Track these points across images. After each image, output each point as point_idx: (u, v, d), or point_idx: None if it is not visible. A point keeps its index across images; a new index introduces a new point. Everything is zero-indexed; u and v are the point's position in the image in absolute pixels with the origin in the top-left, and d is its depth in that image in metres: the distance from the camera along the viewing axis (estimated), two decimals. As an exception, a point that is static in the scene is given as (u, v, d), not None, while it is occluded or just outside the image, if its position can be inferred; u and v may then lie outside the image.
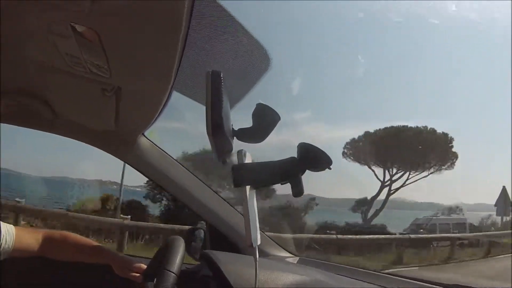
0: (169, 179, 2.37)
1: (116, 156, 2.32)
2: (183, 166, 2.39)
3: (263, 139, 1.23)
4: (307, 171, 1.20)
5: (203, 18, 1.24)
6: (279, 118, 1.21)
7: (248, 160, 1.20)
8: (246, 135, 1.21)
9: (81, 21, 1.13)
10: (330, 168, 1.21)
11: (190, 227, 2.27)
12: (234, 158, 1.19)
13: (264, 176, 1.18)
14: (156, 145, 2.33)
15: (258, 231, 1.24)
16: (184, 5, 1.02)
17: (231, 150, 1.17)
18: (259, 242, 1.22)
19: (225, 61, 1.50)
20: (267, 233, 2.67)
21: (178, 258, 1.60)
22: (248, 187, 1.18)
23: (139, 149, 2.27)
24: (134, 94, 1.64)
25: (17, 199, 11.74)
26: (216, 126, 1.02)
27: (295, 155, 1.18)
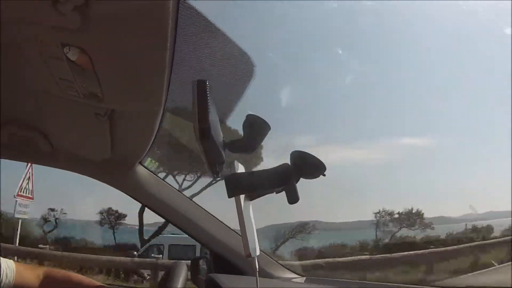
0: (168, 207, 2.35)
1: (114, 186, 2.32)
2: (181, 192, 2.39)
3: (254, 150, 1.23)
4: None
5: (188, 31, 1.26)
6: (269, 128, 1.22)
7: (240, 170, 1.21)
8: (237, 146, 1.22)
9: (72, 41, 1.15)
10: (324, 175, 1.21)
11: (194, 257, 2.27)
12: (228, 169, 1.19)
13: (258, 184, 1.18)
14: (153, 173, 2.33)
15: (257, 242, 1.23)
16: (168, 21, 1.05)
17: (223, 161, 1.18)
18: (258, 253, 1.21)
19: (212, 72, 1.51)
20: (270, 255, 2.64)
21: (181, 281, 1.59)
22: (242, 197, 1.18)
23: (137, 178, 2.27)
24: (128, 118, 1.65)
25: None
26: (204, 131, 1.02)
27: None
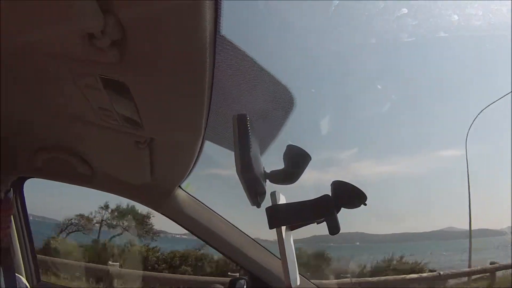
0: (208, 230, 2.35)
1: (154, 209, 2.33)
2: (221, 216, 2.38)
3: (295, 180, 1.22)
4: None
5: (226, 65, 1.26)
6: (310, 159, 1.21)
7: (282, 201, 1.20)
8: (278, 177, 1.21)
9: (111, 74, 1.16)
10: (365, 204, 1.19)
11: (232, 277, 2.25)
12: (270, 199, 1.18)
13: (298, 215, 1.17)
14: (193, 196, 2.33)
15: (297, 272, 1.22)
16: (206, 56, 1.05)
17: (264, 192, 1.17)
18: (298, 283, 1.20)
19: (251, 105, 1.51)
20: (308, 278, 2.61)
21: None
22: (283, 228, 1.17)
23: (177, 201, 2.28)
24: (167, 146, 1.67)
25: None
26: (245, 166, 1.01)
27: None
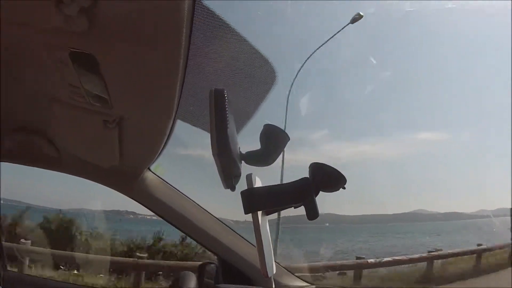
0: (177, 214, 2.30)
1: (122, 193, 2.27)
2: (191, 199, 2.33)
3: (273, 162, 1.18)
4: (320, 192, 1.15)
5: (204, 36, 1.20)
6: (288, 139, 1.16)
7: (257, 184, 1.14)
8: (255, 158, 1.16)
9: (79, 45, 1.10)
10: (344, 188, 1.16)
11: (201, 262, 2.21)
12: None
13: (276, 200, 1.12)
14: (162, 179, 2.28)
15: (273, 260, 1.18)
16: (183, 24, 0.99)
17: (239, 174, 1.12)
18: (274, 272, 1.16)
19: (228, 79, 1.46)
20: (280, 262, 2.59)
21: None
22: (259, 213, 1.12)
23: (146, 184, 2.22)
24: (137, 125, 1.60)
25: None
26: (222, 147, 0.96)
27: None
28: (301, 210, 1.12)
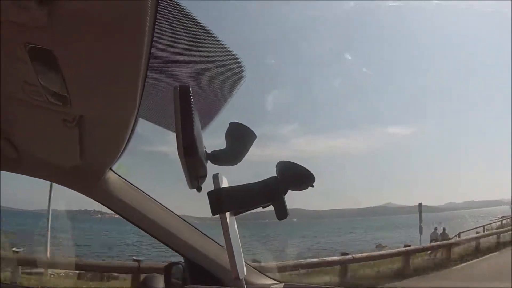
0: (141, 214, 2.26)
1: (84, 194, 2.21)
2: (155, 200, 2.29)
3: (239, 161, 1.16)
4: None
5: (169, 31, 1.17)
6: (255, 137, 1.14)
7: (224, 184, 1.12)
8: (221, 157, 1.13)
9: (37, 39, 1.05)
10: (313, 186, 1.14)
11: (168, 263, 2.19)
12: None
13: (244, 200, 1.10)
14: (125, 179, 2.23)
15: (243, 261, 1.16)
16: (146, 20, 0.95)
17: (206, 175, 1.09)
18: (245, 273, 1.14)
19: (195, 76, 1.42)
20: (248, 261, 2.57)
21: None
22: (227, 214, 1.10)
23: (108, 185, 2.17)
24: (98, 124, 1.56)
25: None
26: (189, 148, 0.93)
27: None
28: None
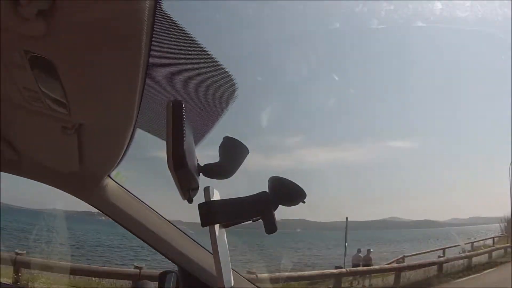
0: (137, 222, 2.27)
1: (82, 199, 2.24)
2: (151, 208, 2.31)
3: (232, 174, 1.17)
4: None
5: (165, 46, 1.19)
6: (247, 152, 1.16)
7: (216, 197, 1.14)
8: (213, 171, 1.15)
9: (36, 49, 1.07)
10: (304, 202, 1.16)
11: (162, 271, 2.20)
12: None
13: (234, 213, 1.12)
14: (123, 187, 2.25)
15: (231, 272, 1.17)
16: (143, 32, 0.97)
17: (197, 187, 1.11)
18: (232, 284, 1.15)
19: (188, 91, 1.44)
20: (239, 271, 2.58)
21: None
22: (217, 226, 1.11)
23: (106, 191, 2.19)
24: (97, 132, 1.58)
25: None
26: (178, 160, 0.95)
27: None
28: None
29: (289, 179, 1.15)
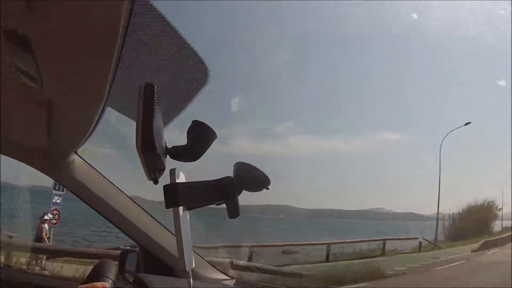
0: (101, 200, 2.28)
1: (47, 174, 2.23)
2: (116, 187, 2.31)
3: (198, 158, 1.19)
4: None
5: (141, 27, 1.20)
6: (215, 136, 1.18)
7: (181, 179, 1.15)
8: (181, 154, 1.16)
9: (15, 25, 1.07)
10: (267, 189, 1.18)
11: (123, 250, 2.20)
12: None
13: (198, 196, 1.14)
14: (89, 164, 2.25)
15: (192, 254, 1.19)
16: (121, 14, 0.98)
17: (163, 168, 1.12)
18: (193, 266, 1.17)
19: (161, 74, 1.46)
20: (201, 254, 2.60)
21: (110, 281, 1.53)
22: (181, 208, 1.13)
23: (71, 168, 2.19)
24: (67, 108, 1.59)
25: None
26: (147, 143, 0.97)
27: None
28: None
29: (255, 165, 1.18)
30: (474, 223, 22.55)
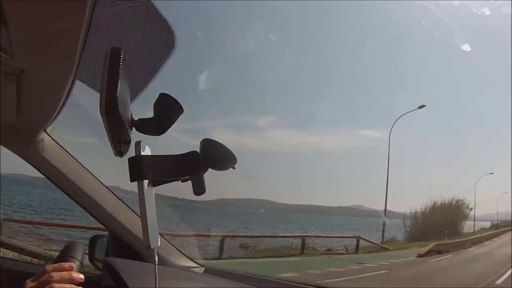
0: (70, 181, 2.27)
1: (14, 152, 2.19)
2: (85, 168, 2.29)
3: (164, 132, 1.18)
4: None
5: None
6: (182, 111, 1.17)
7: (147, 152, 1.14)
8: (146, 126, 1.15)
9: None
10: (234, 168, 1.18)
11: (93, 235, 2.20)
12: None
13: (163, 170, 1.13)
14: (58, 143, 2.23)
15: (157, 231, 1.18)
16: None
17: (129, 141, 1.11)
18: (158, 244, 1.16)
19: (130, 43, 1.44)
20: (171, 242, 2.60)
21: (77, 263, 1.51)
22: (145, 182, 1.12)
23: (40, 147, 2.17)
24: (37, 81, 1.57)
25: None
26: (110, 105, 0.95)
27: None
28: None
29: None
30: (439, 223, 22.39)
